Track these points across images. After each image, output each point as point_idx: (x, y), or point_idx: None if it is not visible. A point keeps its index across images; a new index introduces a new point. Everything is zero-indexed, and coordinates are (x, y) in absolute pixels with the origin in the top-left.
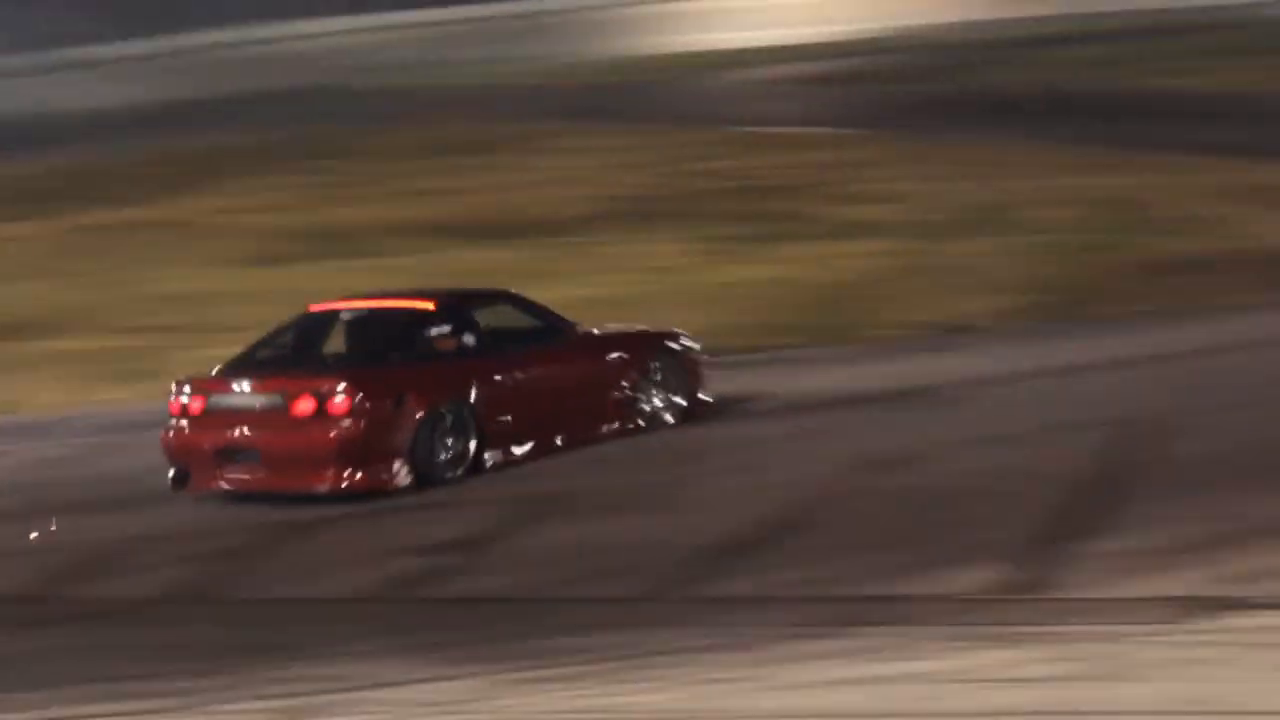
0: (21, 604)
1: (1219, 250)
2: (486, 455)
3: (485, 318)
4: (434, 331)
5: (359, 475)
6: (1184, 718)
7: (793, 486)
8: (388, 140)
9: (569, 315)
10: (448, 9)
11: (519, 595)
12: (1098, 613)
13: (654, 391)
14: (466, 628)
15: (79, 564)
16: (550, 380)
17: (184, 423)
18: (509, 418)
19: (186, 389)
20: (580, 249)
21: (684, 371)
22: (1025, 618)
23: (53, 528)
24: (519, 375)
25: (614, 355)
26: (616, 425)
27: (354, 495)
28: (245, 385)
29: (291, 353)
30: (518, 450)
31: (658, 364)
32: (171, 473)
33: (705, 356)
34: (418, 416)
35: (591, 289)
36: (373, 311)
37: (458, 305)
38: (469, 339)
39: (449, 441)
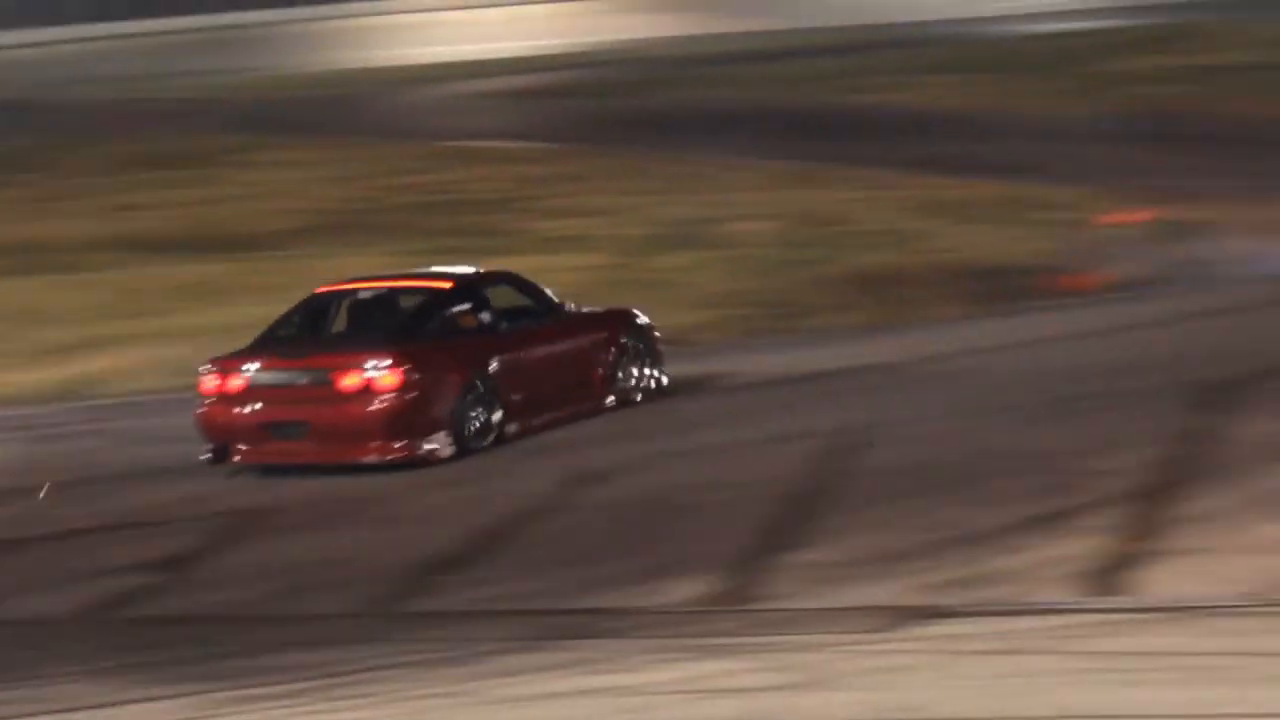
0: None
1: (919, 264)
2: (509, 426)
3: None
4: (457, 309)
5: (407, 446)
6: None
7: (505, 500)
8: (93, 153)
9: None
10: (151, 21)
11: (230, 613)
12: (805, 623)
13: (632, 367)
14: (178, 646)
15: None
16: (554, 356)
17: (223, 400)
18: (523, 391)
19: (223, 368)
20: (285, 263)
21: (653, 347)
22: (734, 629)
23: None
24: (529, 351)
25: (601, 332)
26: (613, 399)
27: (401, 465)
28: (287, 361)
29: (320, 330)
30: (535, 421)
31: (631, 340)
32: (210, 449)
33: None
34: (456, 389)
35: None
36: (400, 290)
37: (474, 284)
38: (486, 316)
39: (478, 412)
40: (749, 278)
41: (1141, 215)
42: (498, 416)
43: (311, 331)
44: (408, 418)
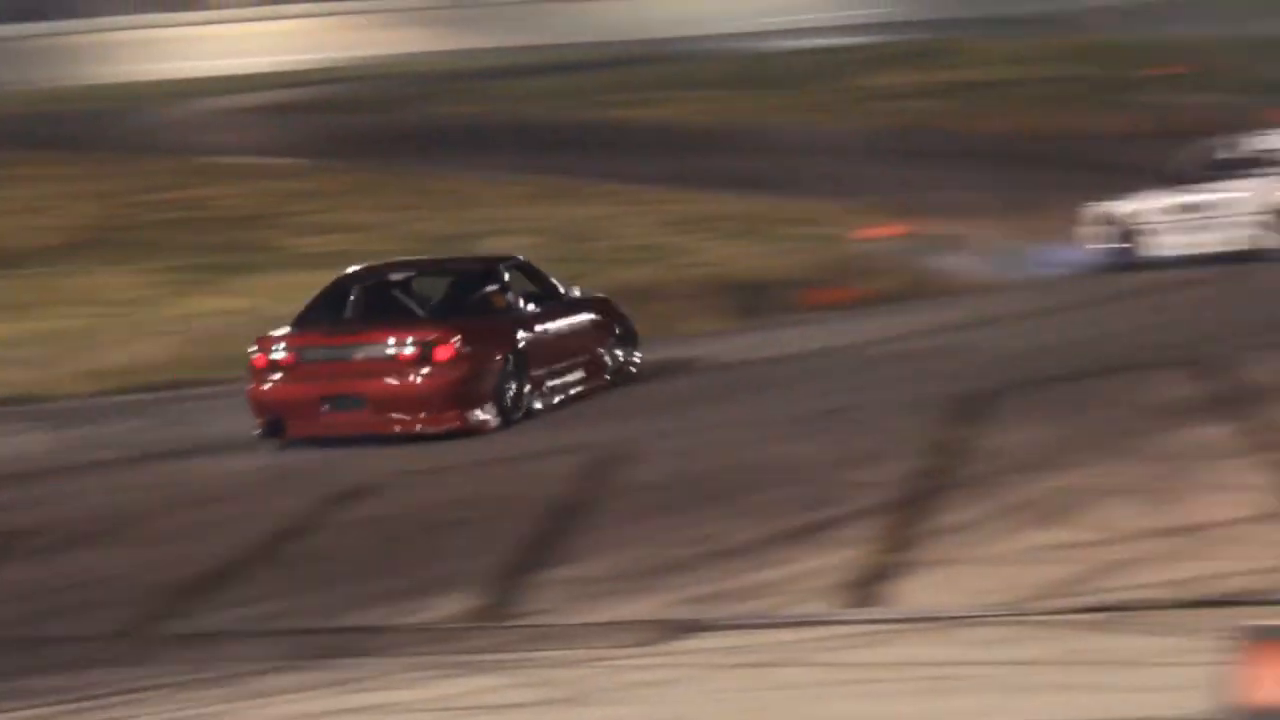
0: None
1: (678, 278)
2: (534, 401)
3: None
4: (489, 289)
5: (460, 415)
6: None
7: (266, 519)
8: None
9: None
10: None
11: None
12: (566, 638)
13: (617, 350)
14: None
15: None
16: (566, 335)
17: (277, 376)
18: (543, 367)
19: (273, 345)
20: (37, 280)
21: (631, 331)
22: (495, 645)
23: None
24: (547, 330)
25: (599, 315)
26: (606, 378)
27: (456, 434)
28: (342, 337)
29: (362, 309)
30: (552, 399)
31: (617, 325)
32: (262, 424)
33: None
34: (499, 363)
35: (47, 321)
36: (440, 270)
37: (498, 267)
38: (511, 297)
39: (511, 386)
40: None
41: (896, 229)
42: (526, 390)
43: (354, 310)
44: (462, 389)
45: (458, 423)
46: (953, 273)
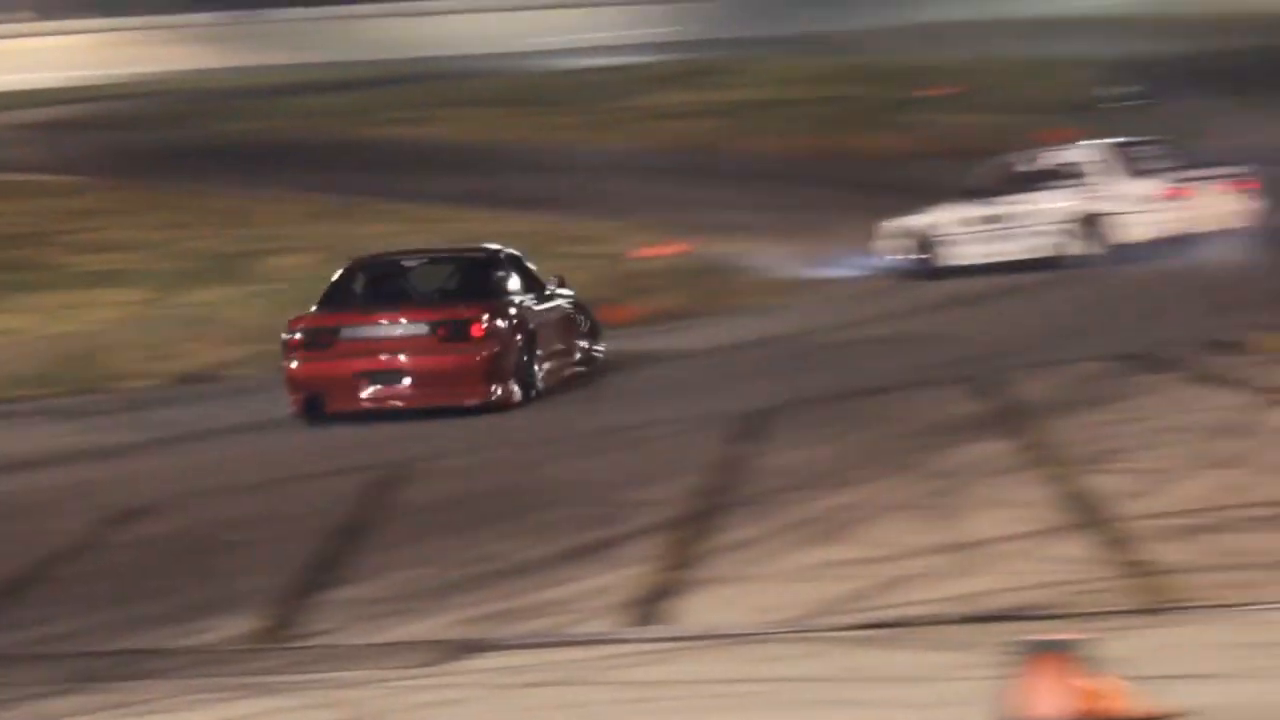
0: None
1: None
2: (540, 383)
3: None
4: (498, 275)
5: (493, 390)
6: None
7: (44, 538)
8: None
9: None
10: None
11: None
12: (351, 659)
13: (586, 340)
14: None
15: None
16: (556, 322)
17: (314, 354)
18: (544, 349)
19: (310, 325)
20: None
21: (595, 323)
22: (277, 667)
23: None
24: (545, 316)
25: (571, 309)
26: (580, 367)
27: (490, 408)
28: (380, 316)
29: (387, 291)
30: (549, 380)
31: (585, 316)
32: (301, 401)
33: None
34: (521, 342)
35: None
36: (447, 258)
37: (500, 256)
38: (516, 283)
39: (526, 364)
40: (289, 312)
41: (676, 248)
42: (534, 369)
43: (379, 292)
44: (497, 365)
45: (490, 396)
46: (732, 290)
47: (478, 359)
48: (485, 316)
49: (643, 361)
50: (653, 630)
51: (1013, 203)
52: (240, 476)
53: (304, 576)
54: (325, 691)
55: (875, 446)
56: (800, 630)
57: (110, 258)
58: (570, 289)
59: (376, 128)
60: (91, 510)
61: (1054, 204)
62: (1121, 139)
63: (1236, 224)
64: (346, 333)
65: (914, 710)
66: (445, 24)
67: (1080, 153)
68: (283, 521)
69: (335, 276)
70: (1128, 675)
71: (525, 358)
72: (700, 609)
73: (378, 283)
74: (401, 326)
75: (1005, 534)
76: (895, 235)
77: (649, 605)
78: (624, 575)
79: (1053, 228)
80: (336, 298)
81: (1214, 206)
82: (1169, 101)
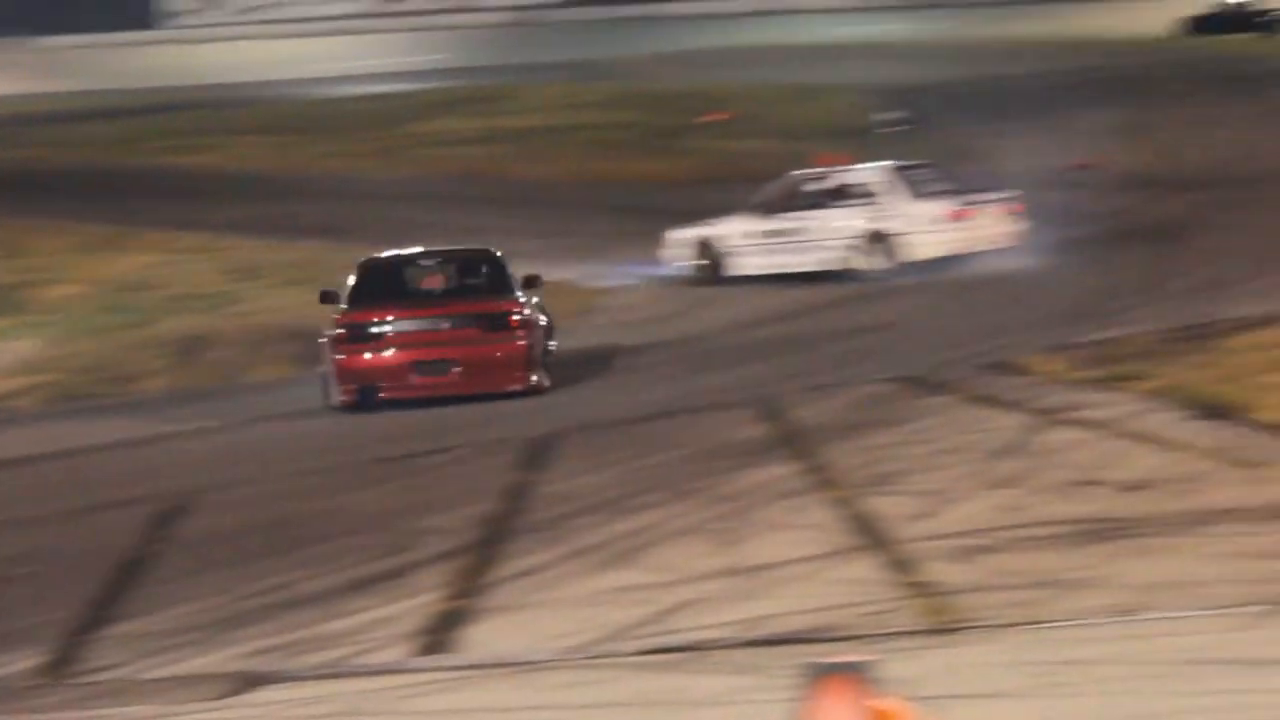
0: None
1: (238, 326)
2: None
3: None
4: (506, 272)
5: (532, 378)
6: None
7: None
8: None
9: None
10: None
11: None
12: (136, 694)
13: (548, 341)
14: None
15: None
16: (538, 322)
17: (365, 347)
18: (540, 346)
19: (360, 320)
20: None
21: (553, 324)
22: (61, 703)
23: None
24: (537, 312)
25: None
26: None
27: (527, 394)
28: (425, 310)
29: (418, 286)
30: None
31: (547, 318)
32: (352, 391)
33: None
34: (541, 332)
35: None
36: (461, 256)
37: (498, 255)
38: (517, 279)
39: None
40: (62, 343)
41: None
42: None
43: (408, 288)
44: (534, 354)
45: (528, 383)
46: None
47: (519, 348)
48: (522, 309)
49: None
50: (443, 659)
51: (800, 218)
52: (18, 510)
53: (88, 611)
54: None
55: (661, 471)
56: (591, 656)
57: None
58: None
59: (150, 156)
60: None
61: (841, 221)
62: (900, 161)
63: (1008, 244)
64: (395, 326)
65: None
66: (219, 52)
67: (865, 173)
68: (65, 555)
69: (354, 277)
70: (915, 696)
71: (542, 349)
72: (490, 637)
73: (400, 281)
74: (447, 319)
75: (792, 557)
76: (682, 244)
77: (439, 634)
78: (413, 604)
79: (840, 243)
80: (366, 295)
81: (990, 228)
82: (935, 127)
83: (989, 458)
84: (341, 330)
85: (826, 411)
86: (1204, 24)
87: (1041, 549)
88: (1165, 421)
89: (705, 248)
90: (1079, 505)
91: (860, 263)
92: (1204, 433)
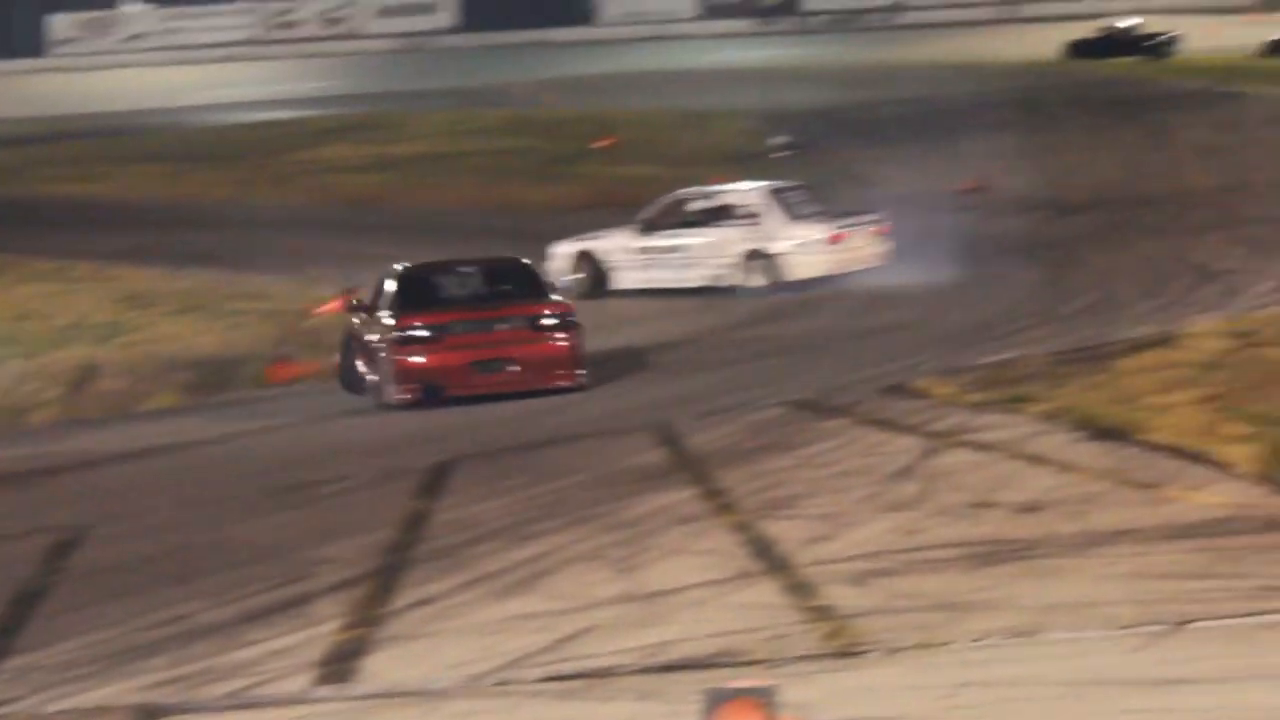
0: None
1: (129, 356)
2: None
3: None
4: (541, 277)
5: (580, 375)
6: None
7: None
8: None
9: None
10: None
11: None
12: None
13: None
14: None
15: None
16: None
17: (428, 349)
18: (584, 345)
19: (422, 323)
20: None
21: None
22: None
23: None
24: None
25: None
26: None
27: (577, 389)
28: (482, 313)
29: (463, 291)
30: None
31: None
32: (416, 390)
33: None
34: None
35: None
36: (497, 264)
37: (528, 263)
38: (550, 285)
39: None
40: None
41: (346, 303)
42: None
43: (454, 293)
44: (580, 352)
45: (576, 380)
46: None
47: (570, 346)
48: (572, 311)
49: (329, 415)
50: (344, 689)
51: (682, 236)
52: None
53: None
54: None
55: (559, 497)
56: (492, 684)
57: None
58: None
59: (38, 185)
60: None
61: (722, 239)
62: (778, 184)
63: (878, 265)
64: (456, 328)
65: None
66: (106, 80)
67: (744, 195)
68: None
69: (395, 285)
70: None
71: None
72: (391, 666)
73: (442, 287)
74: (503, 321)
75: (691, 582)
76: (564, 258)
77: (339, 664)
78: (313, 634)
79: (721, 261)
80: (414, 301)
81: (863, 249)
82: (824, 151)
83: (886, 481)
84: (402, 334)
85: (724, 436)
86: (1083, 49)
87: (939, 571)
88: (1059, 443)
89: (587, 261)
90: (976, 527)
91: (740, 280)
92: (1098, 454)
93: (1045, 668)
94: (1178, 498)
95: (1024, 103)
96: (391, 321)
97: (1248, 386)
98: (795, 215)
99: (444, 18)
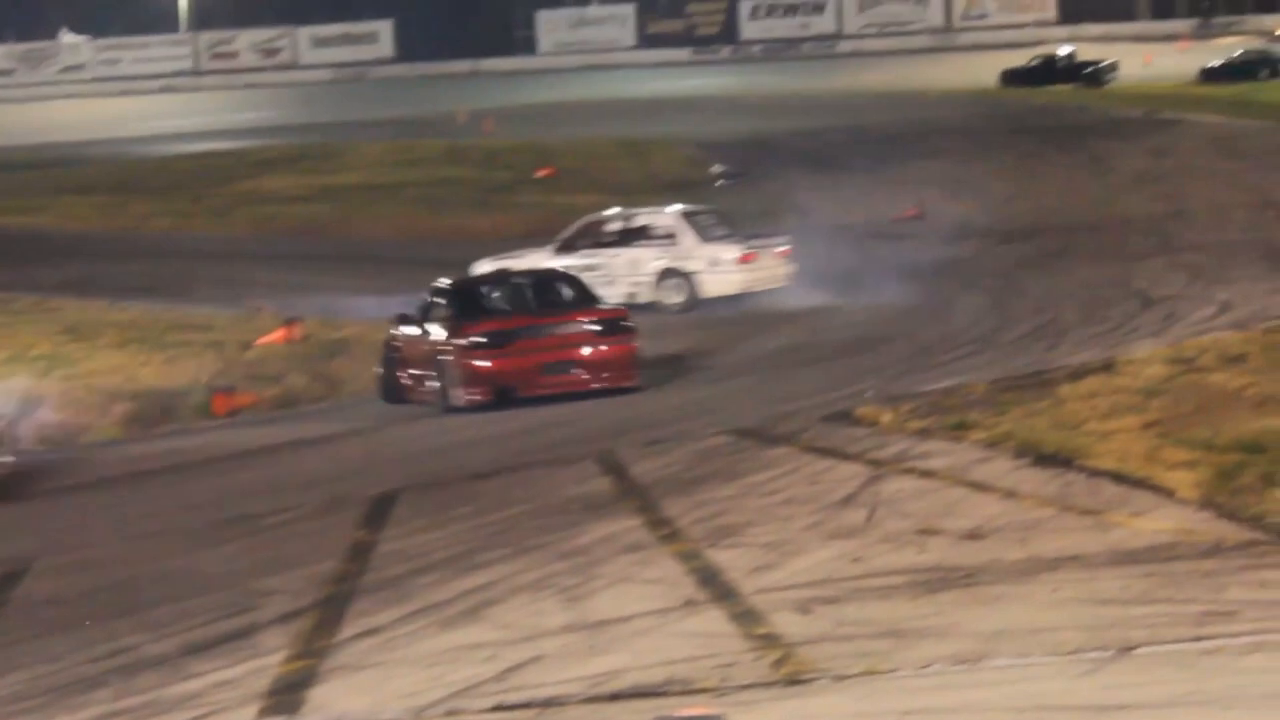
0: None
1: (70, 389)
2: None
3: None
4: (586, 287)
5: (636, 375)
6: None
7: None
8: None
9: None
10: None
11: None
12: None
13: None
14: None
15: None
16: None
17: (497, 353)
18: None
19: (491, 329)
20: None
21: None
22: None
23: None
24: None
25: None
26: None
27: (634, 390)
28: (547, 318)
29: (525, 298)
30: None
31: None
32: (488, 392)
33: None
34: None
35: None
36: (547, 274)
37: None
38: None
39: None
40: None
41: (291, 333)
42: None
43: (510, 302)
44: (638, 355)
45: (636, 380)
46: (351, 374)
47: (631, 349)
48: (628, 316)
49: (276, 445)
50: None
51: (600, 255)
52: None
53: None
54: None
55: (504, 527)
56: (440, 714)
57: None
58: None
59: None
60: None
61: (639, 259)
62: (690, 207)
63: (782, 285)
64: (525, 333)
65: None
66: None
67: (658, 217)
68: None
69: (449, 296)
70: None
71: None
72: (337, 697)
73: (496, 296)
74: (569, 326)
75: (638, 611)
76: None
77: (286, 695)
78: (259, 665)
79: (639, 279)
80: (475, 310)
81: (771, 269)
82: (764, 179)
83: (830, 508)
84: (471, 340)
85: (668, 464)
86: (1020, 77)
87: (885, 598)
88: (1002, 470)
89: None
90: (920, 554)
91: (656, 297)
92: (1041, 481)
93: (991, 694)
94: (1121, 524)
95: (963, 131)
96: (457, 329)
97: (1189, 412)
98: (707, 236)
99: (382, 48)
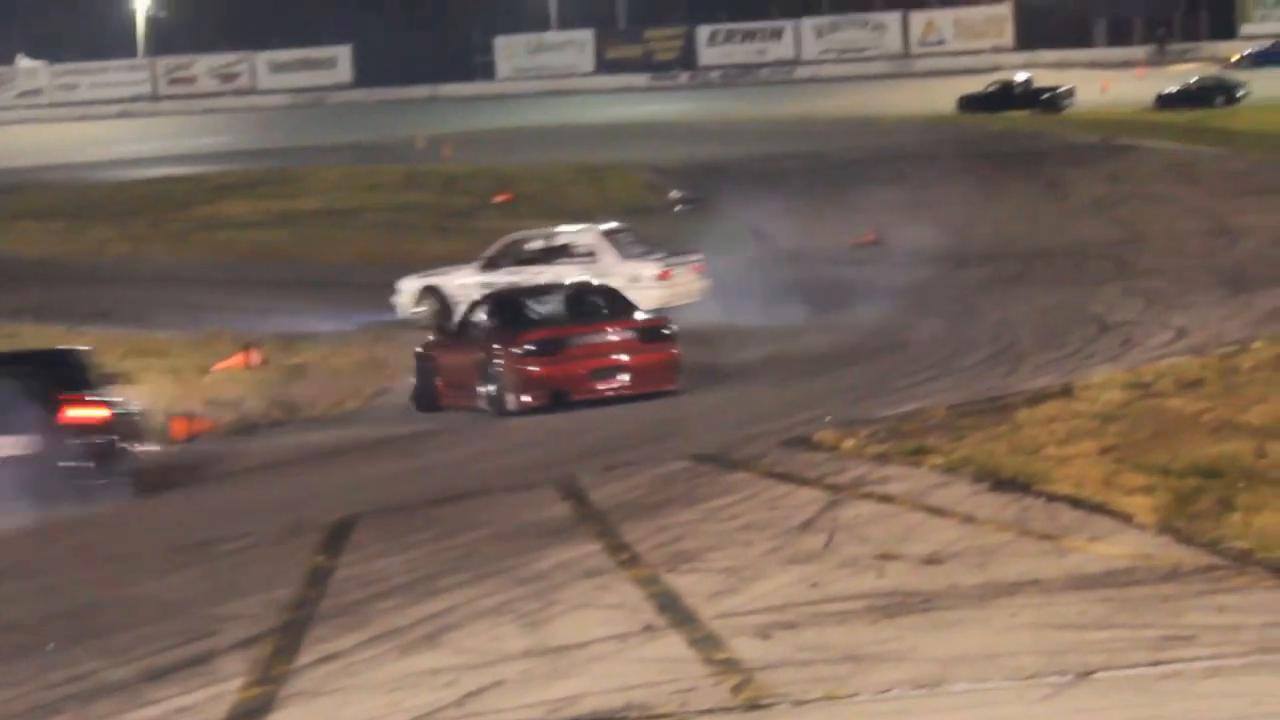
0: None
1: None
2: None
3: None
4: (621, 298)
5: (677, 380)
6: None
7: None
8: None
9: None
10: None
11: None
12: None
13: None
14: None
15: None
16: None
17: (549, 359)
18: None
19: (544, 337)
20: None
21: None
22: None
23: None
24: None
25: None
26: None
27: (675, 393)
28: (595, 326)
29: (567, 308)
30: None
31: None
32: (542, 397)
33: None
34: None
35: None
36: (591, 286)
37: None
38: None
39: None
40: None
41: (249, 358)
42: None
43: (551, 312)
44: (679, 361)
45: (676, 385)
46: (309, 399)
47: (673, 356)
48: (670, 324)
49: (233, 472)
50: None
51: (524, 272)
52: None
53: None
54: None
55: (464, 552)
56: None
57: None
58: None
59: None
60: None
61: (561, 275)
62: (608, 225)
63: (697, 300)
64: (574, 341)
65: None
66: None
67: (578, 235)
68: None
69: (493, 308)
70: None
71: None
72: None
73: (537, 308)
74: (615, 333)
75: (598, 636)
76: (411, 292)
77: None
78: (217, 692)
79: None
80: (520, 320)
81: (687, 285)
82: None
83: (790, 533)
84: (525, 347)
85: (627, 490)
86: (977, 103)
87: (844, 623)
88: (961, 495)
89: (433, 295)
90: (879, 579)
91: None
92: (999, 505)
93: (950, 718)
94: (1079, 548)
95: (920, 156)
96: (511, 338)
97: (1147, 437)
98: (626, 254)
99: (340, 73)
